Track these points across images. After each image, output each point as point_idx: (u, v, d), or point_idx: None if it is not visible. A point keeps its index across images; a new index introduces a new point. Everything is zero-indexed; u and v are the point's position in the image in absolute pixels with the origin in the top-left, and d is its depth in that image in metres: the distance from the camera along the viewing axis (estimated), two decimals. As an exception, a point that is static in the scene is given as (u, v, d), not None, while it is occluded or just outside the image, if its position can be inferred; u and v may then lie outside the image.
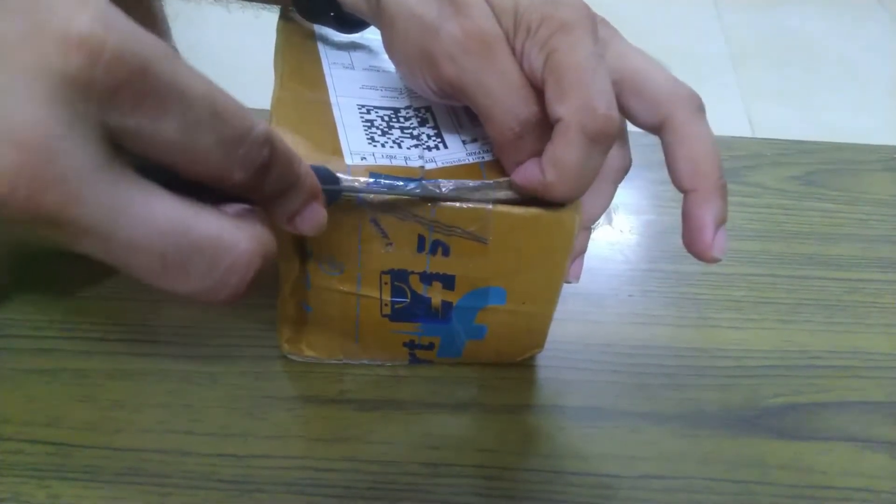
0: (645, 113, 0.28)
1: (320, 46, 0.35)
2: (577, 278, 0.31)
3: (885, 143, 0.51)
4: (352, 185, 0.27)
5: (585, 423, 0.32)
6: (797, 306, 0.38)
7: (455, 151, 0.29)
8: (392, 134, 0.29)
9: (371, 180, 0.27)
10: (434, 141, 0.29)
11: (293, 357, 0.33)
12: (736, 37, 1.75)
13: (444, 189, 0.27)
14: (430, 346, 0.33)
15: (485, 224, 0.28)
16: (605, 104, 0.25)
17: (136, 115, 0.17)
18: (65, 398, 0.31)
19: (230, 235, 0.20)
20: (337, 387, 0.33)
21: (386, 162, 0.28)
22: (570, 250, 0.29)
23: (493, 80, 0.26)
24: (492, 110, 0.26)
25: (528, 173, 0.27)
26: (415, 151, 0.29)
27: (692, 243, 0.28)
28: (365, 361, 0.33)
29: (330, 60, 0.34)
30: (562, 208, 0.28)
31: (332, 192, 0.25)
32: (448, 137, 0.30)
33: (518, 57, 0.26)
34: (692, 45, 1.71)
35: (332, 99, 0.31)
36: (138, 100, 0.17)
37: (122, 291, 0.36)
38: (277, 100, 0.31)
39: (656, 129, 0.28)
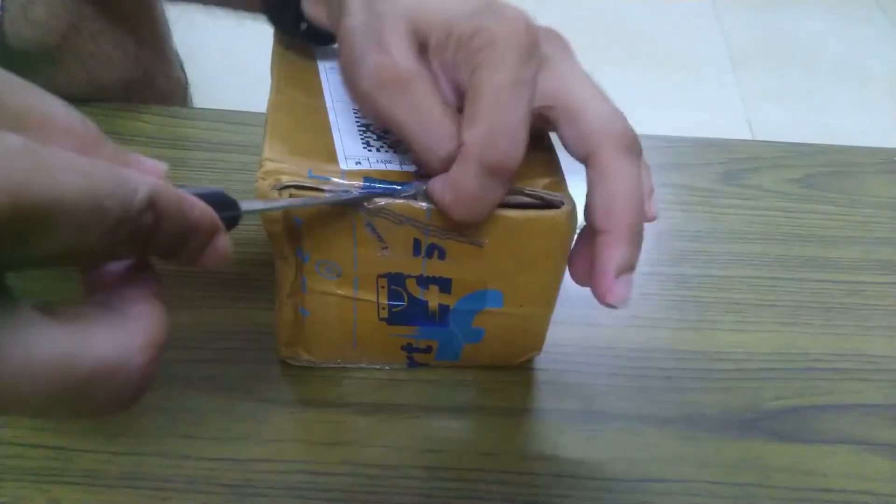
0: (574, 144, 0.27)
1: (317, 52, 0.35)
2: (654, 216, 0.28)
3: (885, 146, 0.51)
4: (346, 190, 0.27)
5: (585, 426, 0.32)
6: (798, 309, 0.38)
7: None
8: (388, 139, 0.29)
9: (364, 184, 0.27)
10: None
11: (291, 361, 0.33)
12: (735, 38, 1.76)
13: None
14: (428, 350, 0.33)
15: (480, 227, 0.28)
16: (508, 138, 0.24)
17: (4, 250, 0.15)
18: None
19: (120, 354, 0.18)
20: (336, 390, 0.33)
21: (381, 167, 0.28)
22: (567, 251, 0.29)
23: (408, 118, 0.25)
24: (412, 146, 0.26)
25: (435, 187, 0.26)
26: (410, 156, 0.29)
27: (593, 284, 0.27)
28: (363, 365, 0.33)
29: (326, 66, 0.34)
30: (557, 210, 0.28)
31: (232, 217, 0.23)
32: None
33: (450, 70, 0.25)
34: (691, 46, 1.71)
35: (329, 104, 0.31)
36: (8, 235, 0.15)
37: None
38: (273, 105, 0.31)
39: (584, 162, 0.27)
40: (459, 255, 0.28)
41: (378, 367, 0.33)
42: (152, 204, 0.18)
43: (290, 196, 0.27)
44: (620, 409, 0.33)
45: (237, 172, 0.43)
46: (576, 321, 0.36)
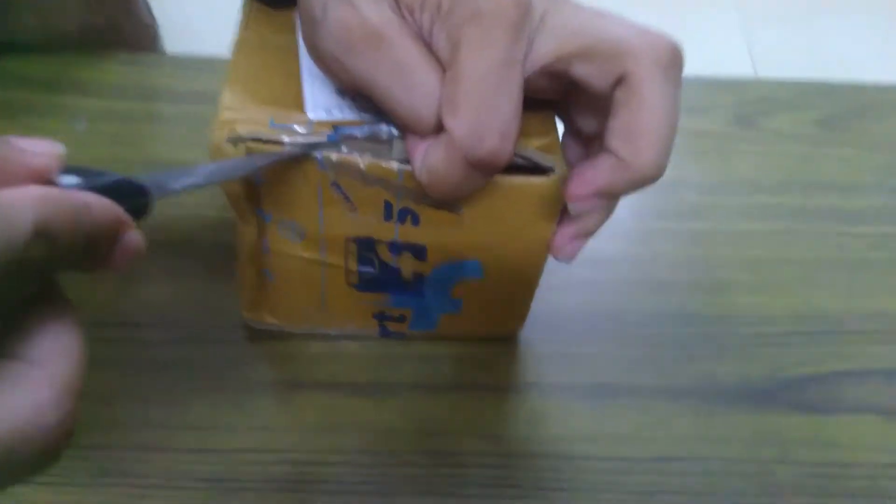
0: (598, 75, 0.22)
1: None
2: (571, 258, 0.26)
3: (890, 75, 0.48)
4: (308, 139, 0.24)
5: (594, 401, 0.30)
6: (817, 266, 0.36)
7: None
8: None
9: (333, 133, 0.24)
10: None
11: (254, 325, 0.31)
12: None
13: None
14: (402, 319, 0.30)
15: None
16: (497, 133, 0.21)
17: None
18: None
19: (30, 417, 0.16)
20: (326, 369, 0.30)
21: (354, 116, 0.25)
22: (554, 219, 0.26)
23: (389, 80, 0.22)
24: (395, 113, 0.22)
25: (414, 159, 0.23)
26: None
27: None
28: (331, 332, 0.31)
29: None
30: (547, 177, 0.24)
31: (142, 204, 0.20)
32: None
33: (427, 37, 0.22)
34: (690, -30, 1.64)
35: (300, 42, 0.28)
36: None
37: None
38: (240, 43, 0.27)
39: (611, 92, 0.22)
40: (435, 221, 0.26)
41: (349, 334, 0.31)
42: (42, 231, 0.15)
43: (248, 150, 0.24)
44: (630, 382, 0.31)
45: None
46: (580, 285, 0.34)
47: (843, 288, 0.35)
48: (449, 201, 0.24)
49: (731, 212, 0.38)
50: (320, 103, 0.25)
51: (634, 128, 0.22)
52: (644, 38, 0.22)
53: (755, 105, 0.44)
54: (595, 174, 0.23)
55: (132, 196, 0.19)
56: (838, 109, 0.44)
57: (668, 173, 0.40)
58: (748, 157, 0.41)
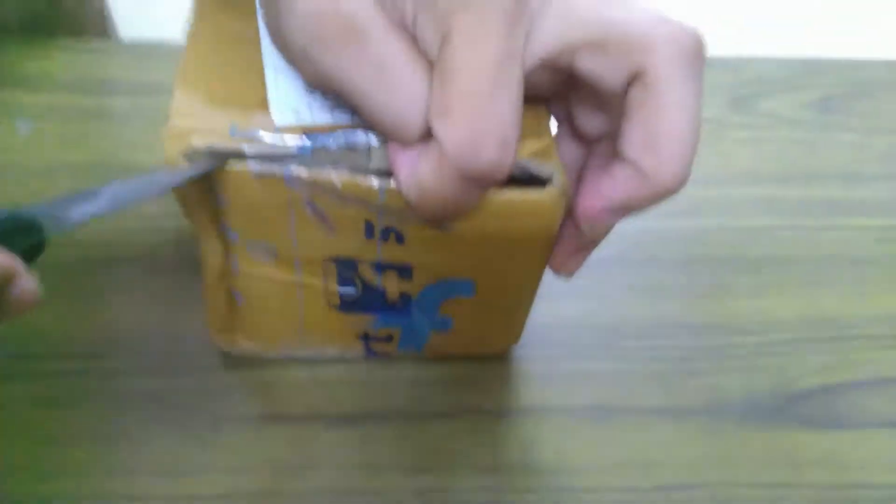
0: (610, 69, 0.20)
1: None
2: (573, 273, 0.24)
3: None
4: (274, 151, 0.21)
5: (594, 424, 0.28)
6: (822, 264, 0.34)
7: None
8: None
9: (304, 144, 0.21)
10: None
11: (228, 350, 0.28)
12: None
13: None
14: (389, 339, 0.28)
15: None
16: (496, 141, 0.18)
17: None
18: (-22, 436, 0.26)
19: None
20: (305, 399, 0.28)
21: (326, 118, 0.22)
22: (552, 237, 0.23)
23: (367, 79, 0.19)
24: (375, 118, 0.19)
25: (400, 173, 0.20)
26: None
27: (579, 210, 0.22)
28: (312, 355, 0.28)
29: None
30: (544, 190, 0.22)
31: (35, 242, 0.18)
32: None
33: (411, 28, 0.19)
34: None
35: (263, 30, 0.24)
36: None
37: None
38: (192, 35, 0.24)
39: (624, 90, 0.20)
40: (422, 239, 0.23)
41: (331, 357, 0.29)
42: None
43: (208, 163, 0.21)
44: (632, 402, 0.29)
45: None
46: (576, 294, 0.32)
47: (849, 288, 0.33)
48: (439, 221, 0.22)
49: (731, 207, 0.36)
50: (286, 102, 0.22)
51: (656, 135, 0.19)
52: (663, 27, 0.19)
53: (751, 86, 0.42)
54: (612, 187, 0.21)
55: (22, 233, 0.17)
56: (838, 89, 0.42)
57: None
58: (746, 146, 0.39)
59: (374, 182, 0.21)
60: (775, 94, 0.42)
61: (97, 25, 0.45)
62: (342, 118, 0.22)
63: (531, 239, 0.23)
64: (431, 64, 0.19)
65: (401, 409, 0.28)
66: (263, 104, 0.22)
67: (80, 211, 0.18)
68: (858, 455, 0.28)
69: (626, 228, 0.35)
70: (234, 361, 0.28)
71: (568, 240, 0.23)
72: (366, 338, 0.28)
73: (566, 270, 0.24)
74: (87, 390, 0.27)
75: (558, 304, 0.31)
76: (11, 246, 0.16)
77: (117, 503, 0.25)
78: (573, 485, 0.27)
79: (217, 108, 0.22)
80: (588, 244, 0.24)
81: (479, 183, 0.19)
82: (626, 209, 0.21)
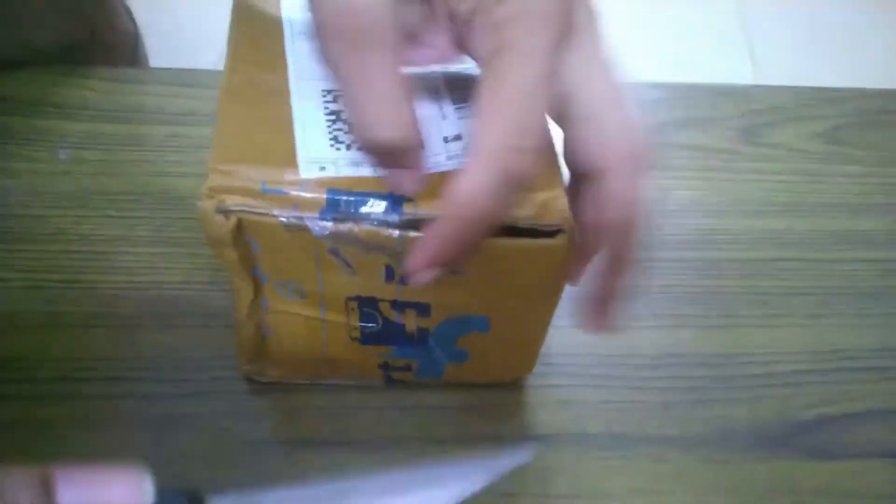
0: (579, 154, 0.23)
1: (284, 14, 0.29)
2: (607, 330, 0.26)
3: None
4: (299, 216, 0.23)
5: (607, 453, 0.30)
6: (827, 297, 0.35)
7: (433, 152, 0.24)
8: None
9: (328, 200, 0.23)
10: None
11: (255, 378, 0.30)
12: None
13: (422, 217, 0.23)
14: (407, 368, 0.29)
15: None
16: (533, 145, 0.20)
17: None
18: (24, 457, 0.28)
19: None
20: (331, 424, 0.29)
21: (350, 172, 0.24)
22: (566, 274, 0.25)
23: (353, 81, 0.21)
24: (349, 111, 0.22)
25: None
26: None
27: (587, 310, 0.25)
28: (334, 382, 0.30)
29: (294, 30, 0.28)
30: (554, 239, 0.23)
31: None
32: (427, 131, 0.24)
33: (461, 24, 0.22)
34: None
35: (292, 84, 0.26)
36: None
37: (67, 315, 0.32)
38: (226, 90, 0.26)
39: (582, 174, 0.23)
40: (438, 281, 0.24)
41: (353, 384, 0.30)
42: None
43: (238, 221, 0.23)
44: (644, 431, 0.30)
45: (201, 151, 0.38)
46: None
47: (852, 320, 0.34)
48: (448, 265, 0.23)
49: (739, 238, 0.37)
50: (313, 156, 0.24)
51: (615, 229, 0.23)
52: (629, 141, 0.22)
53: (760, 116, 0.43)
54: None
55: None
56: (846, 119, 0.43)
57: (677, 194, 0.39)
58: (756, 176, 0.40)
59: (394, 232, 0.23)
60: (785, 125, 0.43)
61: (129, 50, 0.47)
62: (365, 172, 0.23)
63: (542, 279, 0.25)
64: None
65: (420, 435, 0.29)
66: (291, 160, 0.24)
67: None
68: (858, 485, 0.29)
69: (640, 258, 0.36)
70: (261, 387, 0.30)
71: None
72: (385, 367, 0.29)
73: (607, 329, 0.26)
74: (125, 413, 0.29)
75: (573, 334, 0.32)
76: None
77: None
78: (587, 511, 0.28)
79: (250, 163, 0.23)
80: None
81: (515, 184, 0.20)
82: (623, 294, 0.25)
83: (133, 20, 0.46)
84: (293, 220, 0.23)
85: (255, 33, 0.28)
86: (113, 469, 0.17)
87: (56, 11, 0.40)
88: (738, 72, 1.31)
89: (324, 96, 0.26)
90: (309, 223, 0.23)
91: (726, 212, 0.38)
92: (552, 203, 0.24)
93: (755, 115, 0.43)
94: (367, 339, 0.28)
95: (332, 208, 0.23)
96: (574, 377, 0.32)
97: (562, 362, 0.32)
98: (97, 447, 0.28)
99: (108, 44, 0.44)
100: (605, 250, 0.24)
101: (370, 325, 0.27)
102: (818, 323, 0.34)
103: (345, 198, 0.23)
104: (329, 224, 0.23)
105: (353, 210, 0.23)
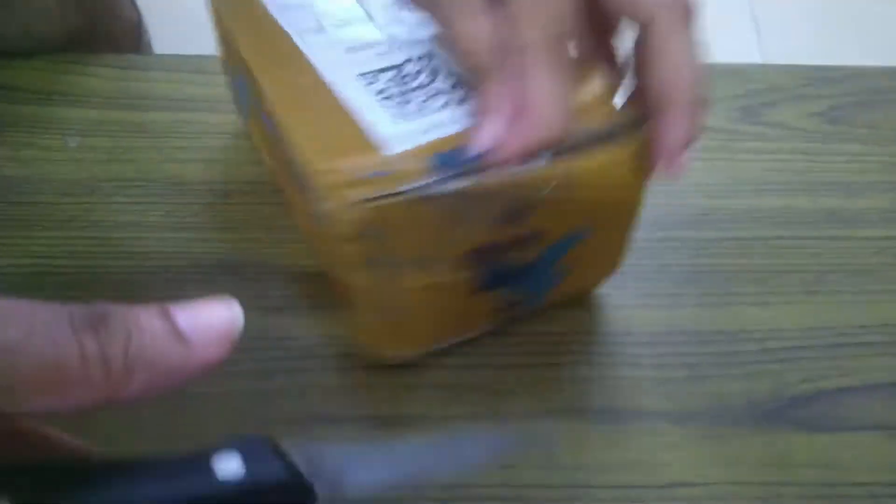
0: (623, 8, 0.25)
1: (273, 12, 0.30)
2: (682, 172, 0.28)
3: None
4: (425, 184, 0.24)
5: (605, 426, 0.31)
6: (823, 274, 0.36)
7: None
8: (414, 98, 0.26)
9: (435, 165, 0.24)
10: (460, 92, 0.26)
11: (377, 360, 0.31)
12: None
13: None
14: (517, 304, 0.31)
15: (568, 179, 0.25)
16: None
17: None
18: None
19: None
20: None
21: (436, 134, 0.24)
22: (646, 172, 0.27)
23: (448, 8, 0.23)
24: (449, 38, 0.24)
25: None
26: (456, 111, 0.25)
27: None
28: (444, 345, 0.31)
29: (294, 28, 0.29)
30: (630, 145, 0.26)
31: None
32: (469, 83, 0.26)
33: None
34: None
35: (325, 76, 0.27)
36: None
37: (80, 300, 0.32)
38: (276, 103, 0.27)
39: (628, 24, 0.26)
40: (546, 211, 0.26)
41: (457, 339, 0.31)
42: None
43: (370, 211, 0.23)
44: (641, 406, 0.31)
45: (206, 136, 0.39)
46: (589, 303, 0.34)
47: (847, 297, 0.35)
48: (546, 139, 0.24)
49: (737, 217, 0.38)
50: (392, 133, 0.25)
51: (669, 80, 0.25)
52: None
53: (760, 96, 0.44)
54: (666, 144, 0.26)
55: (296, 495, 0.18)
56: (845, 98, 0.44)
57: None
58: (755, 156, 0.41)
59: (500, 176, 0.24)
60: (784, 104, 0.43)
61: (132, 37, 0.47)
62: (439, 134, 0.25)
63: (631, 180, 0.27)
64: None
65: (426, 414, 0.30)
66: (367, 144, 0.24)
67: (364, 481, 0.20)
68: (845, 456, 0.30)
69: (636, 239, 0.37)
70: (334, 363, 0.31)
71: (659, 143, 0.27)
72: (498, 311, 0.30)
73: (678, 172, 0.28)
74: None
75: (573, 313, 0.33)
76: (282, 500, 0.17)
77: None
78: (588, 482, 0.29)
79: (342, 158, 0.24)
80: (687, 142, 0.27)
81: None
82: (687, 143, 0.27)
83: (136, 7, 0.47)
84: (421, 190, 0.23)
85: (256, 35, 0.29)
86: (209, 299, 0.19)
87: (60, 2, 0.40)
88: (744, 51, 1.30)
89: (363, 80, 0.26)
90: (436, 188, 0.24)
91: (725, 191, 0.39)
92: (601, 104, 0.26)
93: (754, 94, 0.44)
94: (483, 287, 0.28)
95: (446, 167, 0.24)
96: (572, 354, 0.33)
97: (560, 341, 0.33)
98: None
99: (112, 31, 0.45)
100: (670, 111, 0.25)
101: (486, 272, 0.28)
102: (813, 300, 0.35)
103: (451, 154, 0.24)
104: (453, 182, 0.24)
105: (467, 162, 0.24)
